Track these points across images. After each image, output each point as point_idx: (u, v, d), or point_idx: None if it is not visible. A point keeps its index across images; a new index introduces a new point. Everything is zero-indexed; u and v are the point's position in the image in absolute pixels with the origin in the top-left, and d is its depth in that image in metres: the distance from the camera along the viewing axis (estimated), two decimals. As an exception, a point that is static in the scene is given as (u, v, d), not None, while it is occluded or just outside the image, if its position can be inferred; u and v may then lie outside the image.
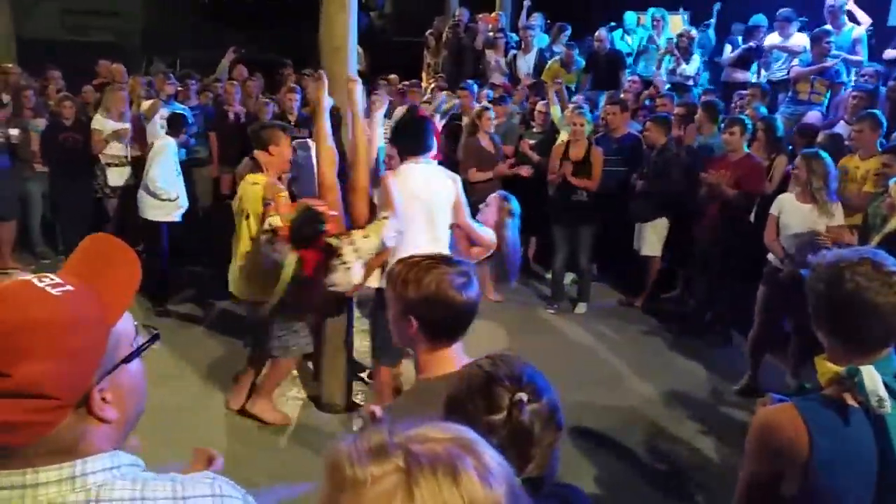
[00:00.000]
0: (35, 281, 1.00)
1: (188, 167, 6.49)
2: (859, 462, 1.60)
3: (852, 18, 7.26)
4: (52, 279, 1.01)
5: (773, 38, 7.81)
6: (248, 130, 4.55)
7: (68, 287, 1.00)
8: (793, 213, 4.65)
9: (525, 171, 6.48)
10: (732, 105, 7.02)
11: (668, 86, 8.00)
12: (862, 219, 4.67)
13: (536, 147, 6.78)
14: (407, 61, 10.82)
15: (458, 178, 4.13)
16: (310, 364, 4.94)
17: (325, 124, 4.09)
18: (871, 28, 7.47)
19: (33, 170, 7.02)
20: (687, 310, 6.17)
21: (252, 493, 1.11)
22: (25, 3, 11.96)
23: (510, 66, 9.53)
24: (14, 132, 6.87)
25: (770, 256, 4.77)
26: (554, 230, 6.29)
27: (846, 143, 5.41)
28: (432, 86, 8.64)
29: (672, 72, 8.33)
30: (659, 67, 8.48)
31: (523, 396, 1.22)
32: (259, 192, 4.03)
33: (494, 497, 0.72)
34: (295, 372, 4.93)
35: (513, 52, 9.64)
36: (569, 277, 6.63)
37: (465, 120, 7.29)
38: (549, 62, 8.93)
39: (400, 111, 7.66)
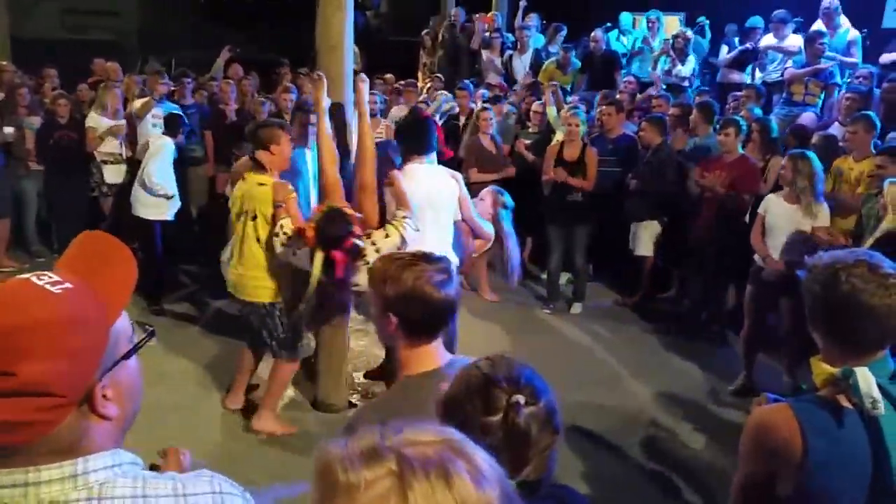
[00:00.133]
0: (34, 279, 1.00)
1: (184, 166, 6.48)
2: (853, 463, 1.61)
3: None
4: (50, 277, 1.01)
5: (768, 40, 7.83)
6: (245, 131, 4.54)
7: (67, 285, 1.00)
8: (778, 213, 4.68)
9: (513, 171, 6.51)
10: (727, 106, 7.04)
11: (663, 86, 8.02)
12: (856, 220, 4.70)
13: (532, 147, 6.79)
14: (403, 61, 10.81)
15: (459, 175, 4.33)
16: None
17: (326, 124, 4.11)
18: (866, 30, 7.50)
19: (28, 168, 7.00)
20: (682, 310, 6.19)
21: (250, 492, 1.11)
22: (25, 3, 11.93)
23: (506, 67, 9.53)
24: (9, 130, 6.85)
25: (756, 256, 4.80)
26: (549, 230, 6.30)
27: (840, 144, 5.43)
28: (428, 85, 8.65)
29: (668, 73, 8.35)
30: (654, 68, 8.50)
31: (520, 399, 1.22)
32: (268, 193, 3.96)
33: (487, 499, 0.72)
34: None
35: (509, 52, 9.64)
36: (564, 277, 6.64)
37: (462, 120, 7.31)
38: (546, 63, 8.94)
39: (396, 111, 7.69)
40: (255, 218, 4.02)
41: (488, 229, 4.46)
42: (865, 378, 1.58)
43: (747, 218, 5.45)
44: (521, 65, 9.41)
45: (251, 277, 4.09)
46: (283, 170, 4.21)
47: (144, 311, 5.69)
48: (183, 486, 1.02)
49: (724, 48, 8.70)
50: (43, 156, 6.91)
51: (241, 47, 9.31)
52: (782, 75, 7.35)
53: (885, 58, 7.26)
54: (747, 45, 8.17)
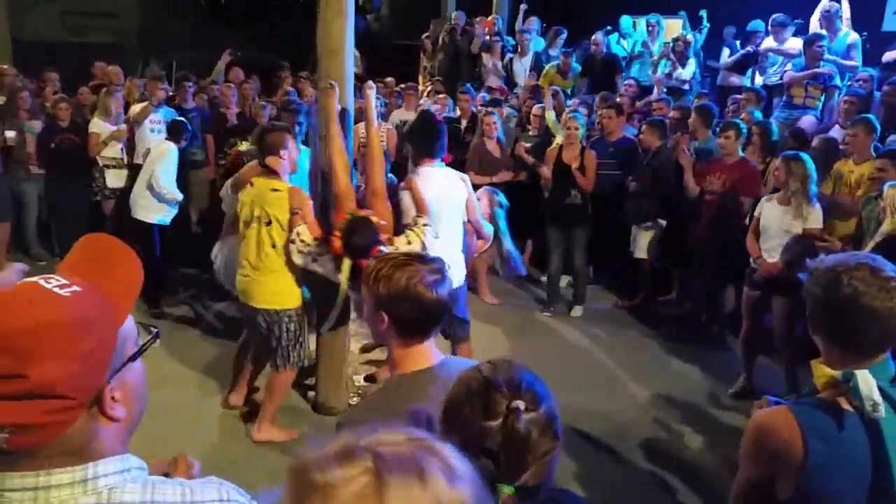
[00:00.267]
0: (42, 282, 1.00)
1: (184, 170, 6.49)
2: (853, 466, 1.61)
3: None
4: (58, 280, 1.01)
5: (768, 43, 7.85)
6: (252, 137, 4.51)
7: (76, 288, 1.01)
8: (770, 214, 4.69)
9: (522, 176, 6.50)
10: (726, 109, 7.05)
11: (664, 90, 8.03)
12: (856, 224, 4.70)
13: (532, 150, 6.79)
14: (403, 64, 10.83)
15: (467, 177, 4.40)
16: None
17: (337, 131, 4.12)
18: (866, 33, 7.51)
19: (28, 171, 7.01)
20: (682, 312, 6.19)
21: (250, 494, 1.11)
22: (24, 5, 11.94)
23: (506, 70, 9.55)
24: (10, 134, 6.86)
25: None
26: (548, 233, 6.31)
27: (840, 147, 5.43)
28: (429, 89, 8.66)
29: (668, 76, 8.36)
30: (655, 72, 8.51)
31: (520, 404, 1.21)
32: (283, 199, 3.93)
33: (461, 496, 0.74)
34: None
35: (509, 55, 9.66)
36: (565, 280, 6.64)
37: (464, 123, 7.31)
38: (546, 68, 8.95)
39: (397, 114, 7.70)
40: (269, 223, 3.97)
41: (488, 229, 4.55)
42: (866, 381, 1.59)
43: (747, 220, 5.46)
44: (522, 68, 9.43)
45: (262, 283, 4.03)
46: (291, 173, 4.21)
47: (144, 313, 5.69)
48: (191, 492, 1.03)
49: (726, 51, 8.71)
50: (44, 159, 6.92)
51: (241, 49, 9.33)
52: (781, 78, 7.35)
53: (889, 55, 7.26)
54: (748, 48, 8.18)
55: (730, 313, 5.69)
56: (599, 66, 8.84)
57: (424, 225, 3.81)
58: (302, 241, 3.80)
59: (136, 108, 6.80)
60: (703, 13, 8.99)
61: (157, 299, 5.94)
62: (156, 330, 1.13)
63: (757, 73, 8.16)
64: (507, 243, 4.86)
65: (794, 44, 7.47)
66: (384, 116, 7.36)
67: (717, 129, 5.87)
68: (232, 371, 4.65)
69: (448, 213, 4.16)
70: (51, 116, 6.99)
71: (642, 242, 6.27)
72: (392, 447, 0.75)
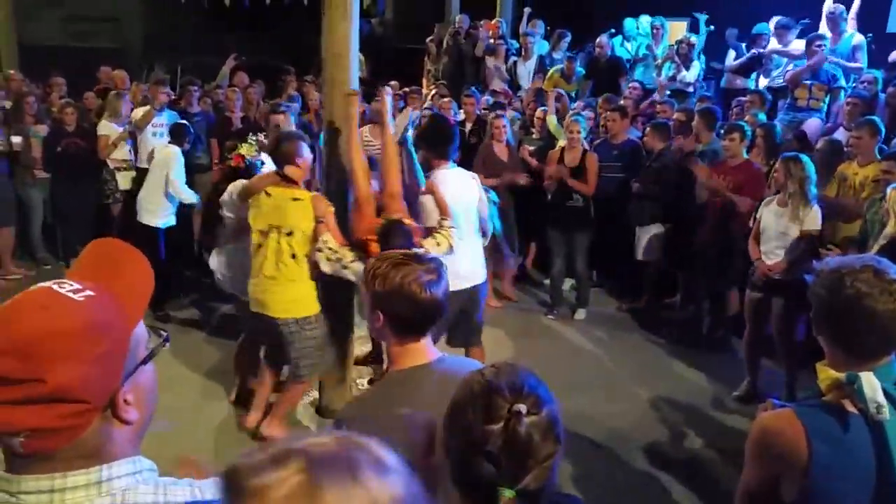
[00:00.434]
0: (55, 287, 1.01)
1: (189, 173, 6.51)
2: (857, 468, 1.61)
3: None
4: (72, 285, 1.02)
5: (772, 46, 7.84)
6: (267, 148, 4.48)
7: (89, 292, 1.02)
8: (769, 216, 4.68)
9: (524, 178, 6.49)
10: (731, 112, 7.04)
11: (667, 92, 8.03)
12: (860, 226, 4.68)
13: (536, 153, 6.79)
14: (408, 68, 10.85)
15: (476, 176, 4.58)
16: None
17: (356, 137, 4.14)
18: (870, 35, 7.50)
19: (34, 176, 7.04)
20: (686, 315, 6.18)
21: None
22: (28, 10, 11.99)
23: (510, 73, 9.55)
24: (16, 139, 6.90)
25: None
26: (550, 235, 6.31)
27: (845, 149, 5.42)
28: (433, 92, 8.67)
29: (672, 78, 8.35)
30: (659, 74, 8.51)
31: (521, 408, 1.21)
32: (306, 208, 3.91)
33: (393, 489, 0.75)
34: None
35: (513, 58, 9.67)
36: (568, 283, 6.64)
37: (469, 126, 7.31)
38: (550, 71, 8.95)
39: (401, 118, 7.70)
40: (290, 234, 3.93)
41: (487, 226, 4.66)
42: (870, 383, 1.59)
43: (751, 222, 5.45)
44: (526, 71, 9.44)
45: (280, 293, 3.99)
46: (306, 179, 4.19)
47: (149, 316, 5.70)
48: (201, 492, 1.05)
49: (731, 53, 8.69)
50: (50, 163, 6.95)
51: (246, 53, 9.34)
52: (785, 80, 7.35)
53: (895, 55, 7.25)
54: (754, 51, 8.17)
55: (733, 316, 5.68)
56: (604, 69, 8.84)
57: (450, 227, 3.88)
58: (329, 248, 3.79)
59: (138, 113, 6.84)
60: (702, 17, 8.99)
61: (163, 302, 5.97)
62: (165, 333, 1.14)
63: (761, 75, 8.15)
64: (499, 238, 4.92)
65: (799, 45, 7.46)
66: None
67: (722, 131, 5.86)
68: (236, 373, 4.66)
69: (464, 212, 4.26)
70: (57, 121, 7.03)
71: (646, 245, 6.27)
72: (321, 447, 0.76)
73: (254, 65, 9.56)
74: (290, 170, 3.99)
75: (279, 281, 3.98)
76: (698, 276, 5.86)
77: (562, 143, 6.32)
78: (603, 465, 4.14)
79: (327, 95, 4.39)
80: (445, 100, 7.69)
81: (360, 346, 5.19)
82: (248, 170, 4.57)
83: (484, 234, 4.63)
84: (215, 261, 4.64)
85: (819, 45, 6.76)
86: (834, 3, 7.31)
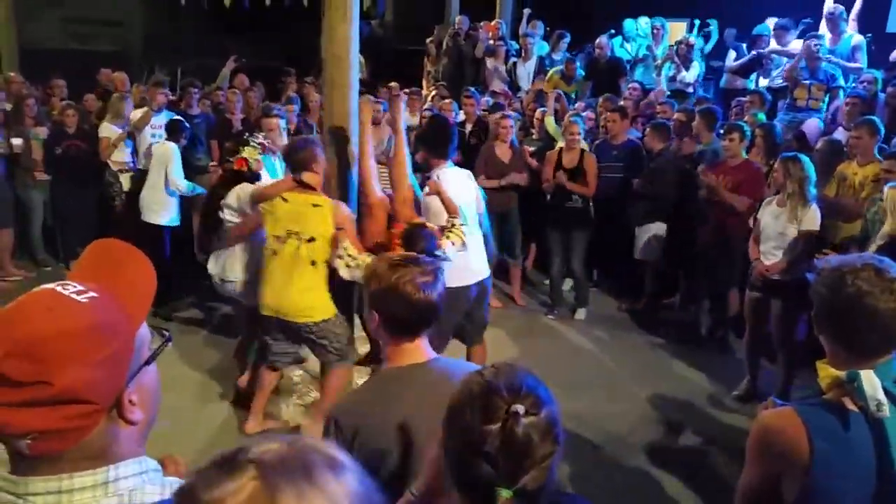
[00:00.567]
0: (59, 289, 1.01)
1: (190, 175, 6.53)
2: (858, 466, 1.61)
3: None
4: (75, 286, 1.02)
5: (772, 46, 7.85)
6: (283, 156, 4.42)
7: (93, 294, 1.02)
8: (768, 216, 4.68)
9: (524, 179, 6.49)
10: (730, 112, 7.04)
11: (667, 93, 8.03)
12: (862, 225, 4.69)
13: (535, 154, 6.80)
14: (407, 69, 10.85)
15: (471, 174, 4.64)
16: (300, 372, 4.97)
17: (368, 143, 4.15)
18: (870, 35, 7.51)
19: (34, 178, 7.05)
20: (687, 315, 6.18)
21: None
22: (28, 12, 12.00)
23: (510, 74, 9.56)
24: (17, 141, 6.91)
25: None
26: (550, 236, 6.32)
27: (844, 149, 5.42)
28: (433, 93, 8.68)
29: (672, 79, 8.36)
30: (659, 74, 8.51)
31: (519, 408, 1.21)
32: (327, 215, 3.90)
33: (348, 487, 0.76)
34: (296, 379, 4.94)
35: (513, 59, 9.68)
36: (568, 283, 6.64)
37: (469, 127, 7.32)
38: (550, 73, 8.95)
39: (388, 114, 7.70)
40: (311, 240, 3.90)
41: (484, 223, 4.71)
42: (871, 381, 1.59)
43: (751, 222, 5.45)
44: (525, 72, 9.45)
45: (300, 300, 3.97)
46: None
47: (151, 316, 5.69)
48: None
49: (732, 53, 8.70)
50: (51, 166, 6.96)
51: (246, 55, 9.35)
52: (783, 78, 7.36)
53: None
54: (754, 51, 8.17)
55: (734, 316, 5.68)
56: (603, 70, 8.85)
57: (462, 224, 3.93)
58: (349, 255, 3.79)
59: (136, 114, 6.86)
60: (714, 22, 8.99)
61: (166, 302, 5.98)
62: (168, 333, 1.14)
63: (761, 76, 8.15)
64: (487, 236, 4.96)
65: (798, 46, 7.47)
66: (388, 121, 7.35)
67: (721, 131, 5.87)
68: (257, 390, 4.61)
69: (467, 210, 4.30)
70: (57, 123, 7.04)
71: (644, 245, 6.27)
72: (273, 452, 0.76)
73: (254, 66, 9.58)
74: (307, 176, 3.95)
75: (300, 287, 3.95)
76: (698, 276, 5.86)
77: (560, 143, 6.32)
78: (602, 465, 4.14)
79: (327, 97, 4.39)
80: (446, 101, 7.70)
81: (360, 347, 5.19)
82: (251, 173, 4.55)
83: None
84: (213, 264, 4.62)
85: (815, 45, 6.77)
86: (834, 3, 7.32)
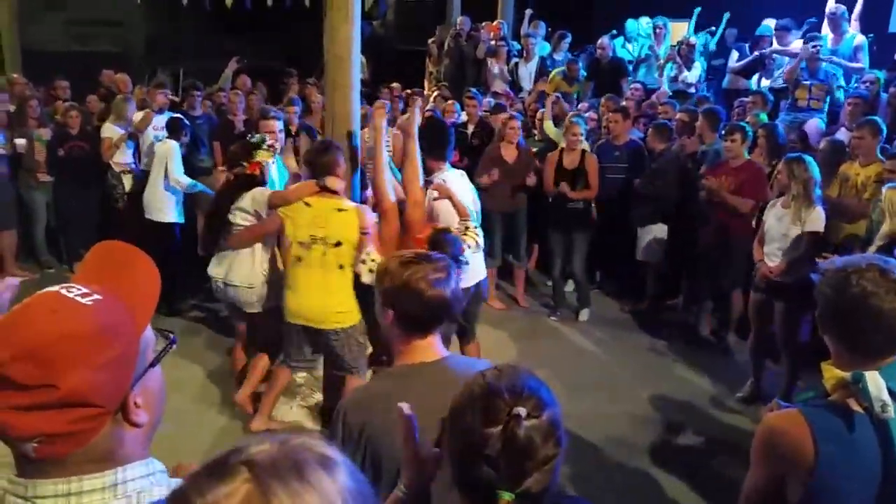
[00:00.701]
0: (63, 291, 1.01)
1: (193, 176, 6.54)
2: (863, 467, 1.61)
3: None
4: (79, 289, 1.02)
5: (774, 47, 7.85)
6: (304, 161, 4.40)
7: (97, 296, 1.02)
8: (772, 217, 4.67)
9: (532, 179, 6.48)
10: (732, 112, 7.04)
11: (669, 93, 8.03)
12: (866, 225, 4.68)
13: (537, 155, 6.79)
14: (409, 70, 10.86)
15: (464, 173, 4.65)
16: (304, 374, 4.98)
17: (383, 153, 4.15)
18: (871, 35, 7.50)
19: (37, 179, 7.06)
20: (690, 317, 6.17)
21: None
22: (31, 14, 12.02)
23: (512, 75, 9.56)
24: (20, 142, 6.93)
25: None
26: (552, 237, 6.32)
27: (846, 149, 5.42)
28: (435, 94, 8.68)
29: (674, 79, 8.35)
30: (661, 75, 8.51)
31: (521, 411, 1.20)
32: (352, 220, 3.89)
33: (341, 484, 0.75)
34: (300, 380, 4.94)
35: (514, 60, 9.68)
36: (570, 285, 6.64)
37: (471, 128, 7.31)
38: (552, 73, 8.95)
39: (403, 120, 7.70)
40: (337, 244, 3.89)
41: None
42: (875, 382, 1.59)
43: (754, 223, 5.45)
44: (527, 73, 9.44)
45: (333, 305, 3.96)
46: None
47: (158, 314, 5.69)
48: None
49: (734, 54, 8.69)
50: (54, 167, 6.97)
51: (248, 55, 9.36)
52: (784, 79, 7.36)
53: None
54: (756, 52, 8.17)
55: (737, 318, 5.67)
56: (605, 70, 8.85)
57: (475, 226, 4.00)
58: (373, 260, 3.78)
59: (138, 116, 6.88)
60: (724, 18, 8.97)
61: (173, 299, 5.99)
62: (172, 335, 1.14)
63: (763, 76, 8.15)
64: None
65: (800, 46, 7.47)
66: (390, 122, 7.35)
67: (723, 131, 5.86)
68: (237, 368, 4.66)
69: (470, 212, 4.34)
70: (60, 124, 7.05)
71: (646, 246, 6.27)
72: (264, 453, 0.76)
73: (256, 67, 9.58)
74: (330, 180, 3.94)
75: (329, 293, 3.93)
76: (700, 277, 5.85)
77: (562, 144, 6.32)
78: (604, 467, 4.13)
79: (329, 98, 4.39)
80: (449, 102, 7.69)
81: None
82: (264, 177, 4.48)
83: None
84: (216, 267, 4.59)
85: (815, 45, 6.76)
86: (835, 3, 7.31)
